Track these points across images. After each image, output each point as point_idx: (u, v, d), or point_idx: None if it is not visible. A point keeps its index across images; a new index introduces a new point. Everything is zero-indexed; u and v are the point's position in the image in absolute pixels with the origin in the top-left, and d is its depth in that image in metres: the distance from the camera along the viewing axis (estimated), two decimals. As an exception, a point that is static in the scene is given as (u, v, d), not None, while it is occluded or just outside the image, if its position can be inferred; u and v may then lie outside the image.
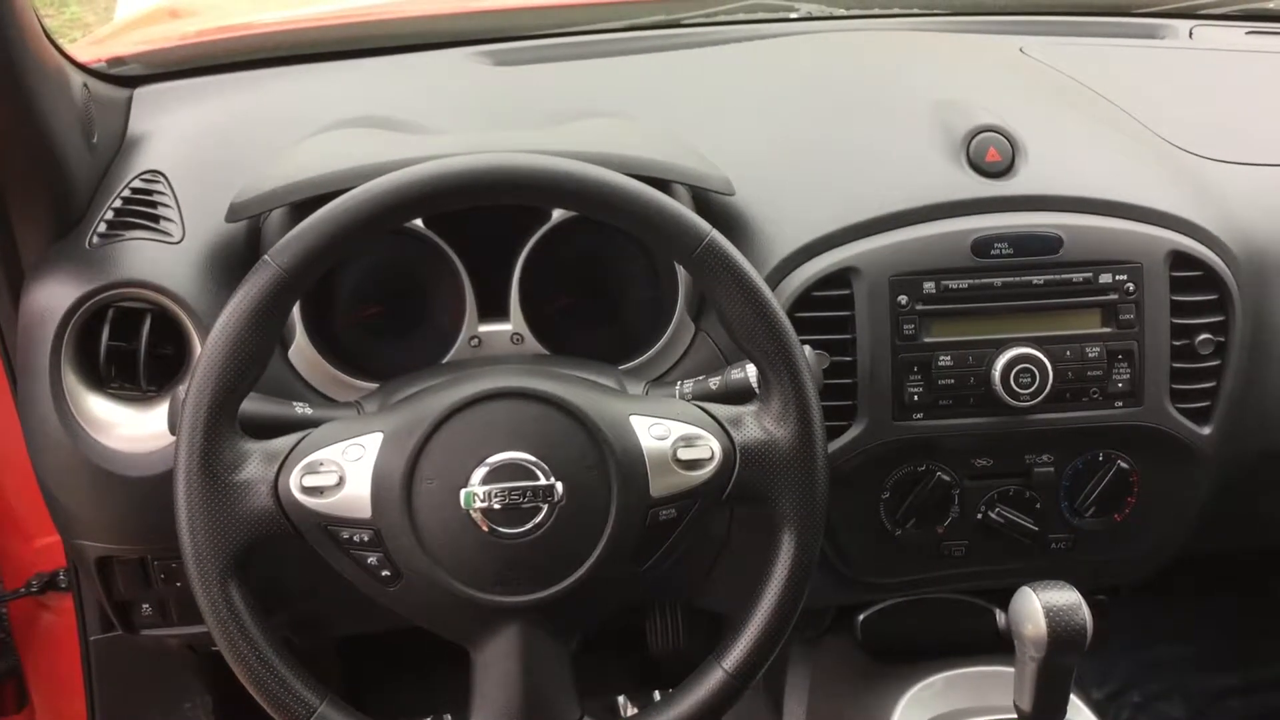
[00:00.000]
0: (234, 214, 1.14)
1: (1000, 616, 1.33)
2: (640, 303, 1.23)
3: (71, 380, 1.14)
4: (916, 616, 1.38)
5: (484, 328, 1.19)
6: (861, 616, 1.40)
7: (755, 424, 1.01)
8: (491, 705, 0.99)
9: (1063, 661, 1.06)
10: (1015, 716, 1.12)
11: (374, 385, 1.15)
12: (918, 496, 1.23)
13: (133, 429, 1.14)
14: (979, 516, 1.24)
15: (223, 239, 1.18)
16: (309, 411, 1.08)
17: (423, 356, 1.19)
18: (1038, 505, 1.25)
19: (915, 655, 1.36)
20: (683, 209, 0.99)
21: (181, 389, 0.99)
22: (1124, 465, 1.24)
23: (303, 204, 1.10)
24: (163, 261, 1.15)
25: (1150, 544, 1.30)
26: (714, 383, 1.10)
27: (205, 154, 1.24)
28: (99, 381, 1.15)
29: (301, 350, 1.17)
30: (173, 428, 0.99)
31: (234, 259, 1.17)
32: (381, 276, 1.22)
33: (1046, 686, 1.07)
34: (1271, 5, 1.59)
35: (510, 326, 1.20)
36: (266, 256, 0.96)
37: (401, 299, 1.22)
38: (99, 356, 1.14)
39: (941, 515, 1.24)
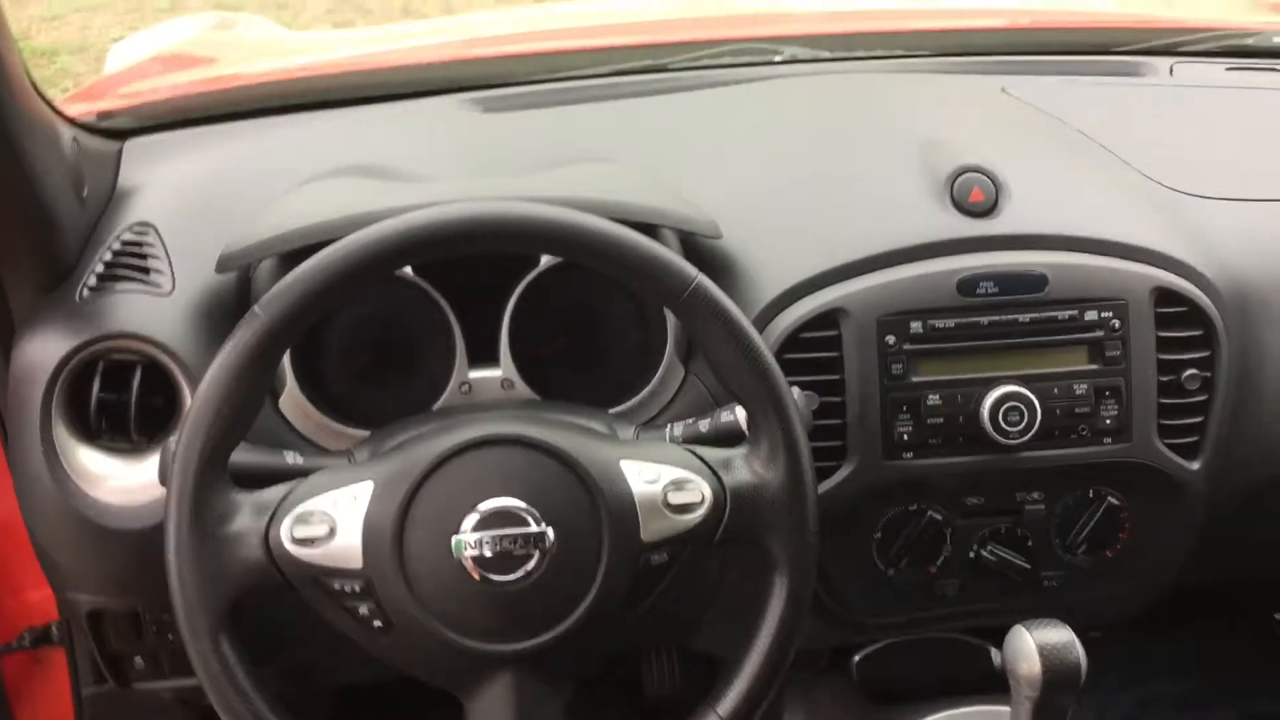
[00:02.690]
0: (224, 265, 1.14)
1: (996, 655, 1.33)
2: (629, 346, 1.24)
3: (62, 433, 1.14)
4: (912, 656, 1.38)
5: (474, 374, 1.20)
6: (857, 657, 1.39)
7: (745, 467, 1.01)
8: None
9: (1059, 700, 1.05)
10: None
11: (365, 433, 1.15)
12: (909, 536, 1.23)
13: (123, 481, 1.14)
14: (971, 555, 1.25)
15: (213, 290, 1.18)
16: (300, 461, 1.08)
17: (413, 403, 1.19)
18: (1029, 543, 1.25)
19: (912, 695, 1.35)
20: (669, 254, 1.00)
21: (172, 440, 0.99)
22: (1114, 501, 1.24)
23: (293, 254, 1.11)
24: (153, 313, 1.16)
25: (1142, 579, 1.30)
26: (704, 425, 1.10)
27: (195, 205, 1.25)
28: (89, 434, 1.15)
29: (292, 399, 1.17)
30: (163, 479, 0.99)
31: (225, 310, 1.18)
32: (371, 324, 1.22)
33: None
34: (1250, 42, 1.60)
35: (500, 372, 1.20)
36: (255, 308, 0.96)
37: (391, 346, 1.22)
38: (89, 409, 1.14)
39: (934, 554, 1.24)
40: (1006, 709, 1.10)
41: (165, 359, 1.15)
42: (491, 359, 1.20)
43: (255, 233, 1.14)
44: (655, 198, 1.20)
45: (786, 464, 1.00)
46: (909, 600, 1.27)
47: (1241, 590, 1.72)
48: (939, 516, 1.23)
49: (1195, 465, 1.24)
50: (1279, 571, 1.57)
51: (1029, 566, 1.24)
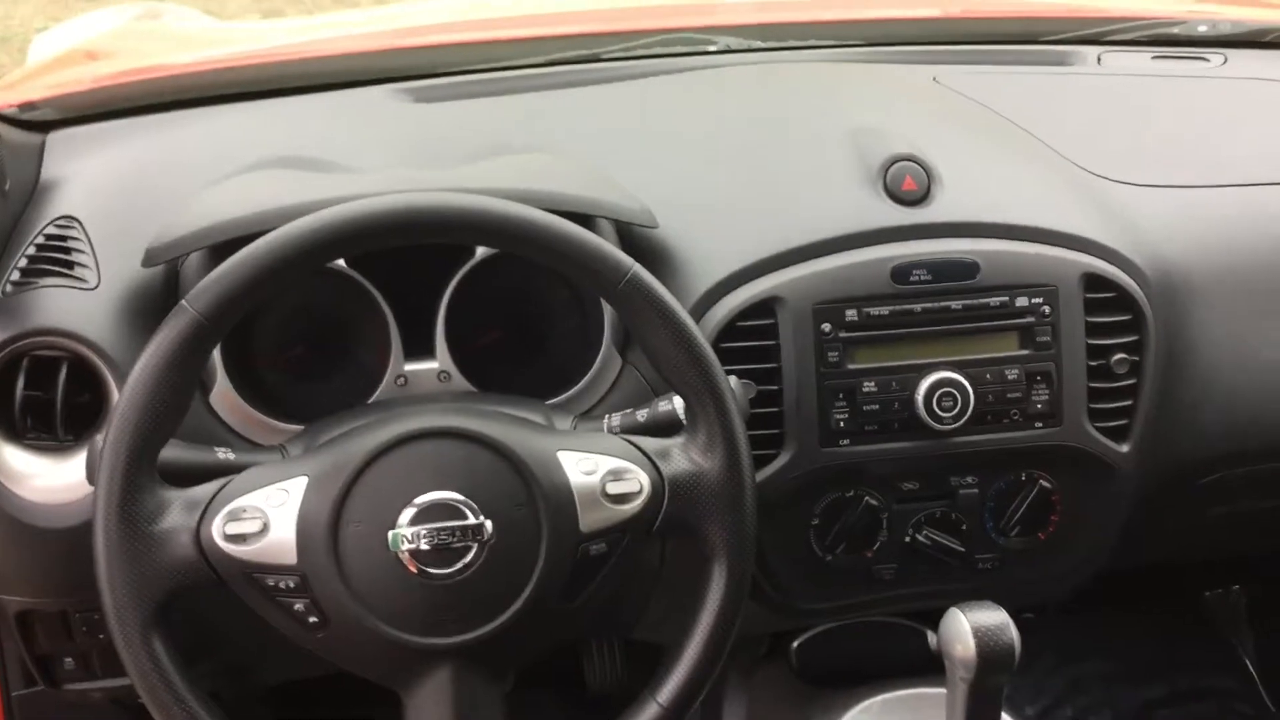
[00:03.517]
0: (150, 259, 1.12)
1: (932, 638, 1.35)
2: (566, 337, 1.23)
3: None
4: (850, 641, 1.39)
5: (410, 366, 1.19)
6: (796, 643, 1.40)
7: (683, 456, 1.02)
8: None
9: (993, 681, 1.07)
10: None
11: (299, 428, 1.14)
12: (846, 521, 1.24)
13: (50, 480, 1.12)
14: (907, 539, 1.26)
15: (140, 285, 1.16)
16: (231, 456, 1.06)
17: (348, 397, 1.18)
18: (964, 527, 1.26)
19: (851, 679, 1.37)
20: (605, 244, 1.00)
21: (99, 438, 0.97)
22: (1046, 484, 1.26)
23: (221, 247, 1.09)
24: (79, 309, 1.13)
25: (1074, 561, 1.32)
26: (641, 415, 1.10)
27: (120, 199, 1.23)
28: (14, 432, 1.13)
29: (223, 394, 1.16)
30: (91, 478, 0.97)
31: (152, 305, 1.16)
32: (304, 317, 1.20)
33: (978, 706, 1.08)
34: (1176, 31, 1.63)
35: (437, 364, 1.19)
36: (183, 302, 0.95)
37: (325, 339, 1.21)
38: (14, 407, 1.12)
39: (870, 539, 1.25)
40: (942, 691, 1.12)
41: (91, 355, 1.12)
42: (427, 351, 1.19)
43: (182, 226, 1.12)
44: (590, 187, 1.20)
45: (724, 453, 1.00)
46: (847, 585, 1.28)
47: (1171, 571, 1.76)
48: (875, 502, 1.24)
49: (1125, 448, 1.26)
50: (1206, 552, 1.61)
51: (963, 550, 1.26)
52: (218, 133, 1.35)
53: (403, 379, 1.18)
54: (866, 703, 1.34)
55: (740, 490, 1.01)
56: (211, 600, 0.97)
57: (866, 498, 1.24)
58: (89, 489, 1.02)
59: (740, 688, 1.46)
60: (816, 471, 1.21)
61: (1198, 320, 1.29)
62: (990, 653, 1.05)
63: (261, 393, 1.18)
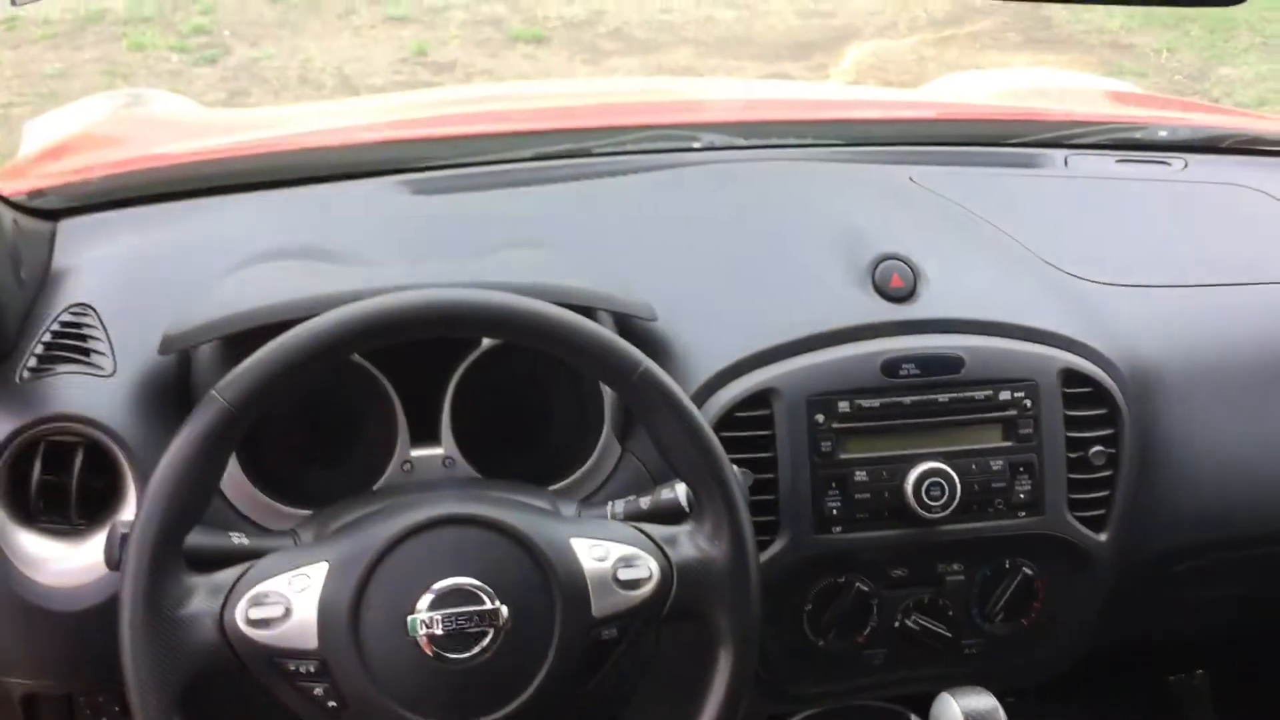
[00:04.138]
0: (168, 346, 1.15)
1: None
2: (567, 424, 1.27)
3: (1, 517, 1.13)
4: None
5: (416, 452, 1.22)
6: None
7: (690, 543, 1.05)
8: None
9: None
10: None
11: (305, 512, 1.16)
12: (838, 607, 1.27)
13: (64, 564, 1.13)
14: (896, 625, 1.29)
15: (154, 371, 1.19)
16: (245, 542, 1.08)
17: (354, 482, 1.20)
18: (950, 613, 1.30)
19: None
20: (617, 339, 1.04)
21: (119, 523, 0.99)
22: (1029, 571, 1.31)
23: (236, 336, 1.13)
24: (94, 395, 1.16)
25: (1057, 645, 1.36)
26: (645, 502, 1.13)
27: (133, 286, 1.26)
28: (29, 517, 1.14)
29: (232, 478, 1.18)
30: (110, 562, 0.99)
31: (166, 391, 1.18)
32: (313, 403, 1.23)
33: None
34: (1138, 135, 1.71)
35: (442, 450, 1.22)
36: (213, 392, 0.98)
37: (333, 425, 1.23)
38: (29, 492, 1.13)
39: (861, 625, 1.29)
40: None
41: (107, 441, 1.14)
42: (433, 437, 1.22)
43: (198, 315, 1.16)
44: (591, 282, 1.24)
45: (730, 541, 1.04)
46: (838, 669, 1.31)
47: (1138, 655, 1.80)
48: (865, 588, 1.28)
49: (1103, 537, 1.31)
50: (1179, 637, 1.66)
51: (950, 635, 1.30)
52: (225, 222, 1.38)
53: (408, 465, 1.21)
54: None
55: (746, 578, 1.04)
56: (232, 685, 0.98)
57: (857, 584, 1.27)
58: (101, 573, 1.04)
59: None
60: (810, 558, 1.25)
61: (1170, 414, 1.35)
62: None
63: (269, 477, 1.20)
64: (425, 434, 1.22)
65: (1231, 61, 5.71)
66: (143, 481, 1.10)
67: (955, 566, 1.29)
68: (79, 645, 1.10)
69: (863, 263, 1.32)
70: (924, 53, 5.58)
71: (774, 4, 6.17)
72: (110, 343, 1.19)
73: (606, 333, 1.04)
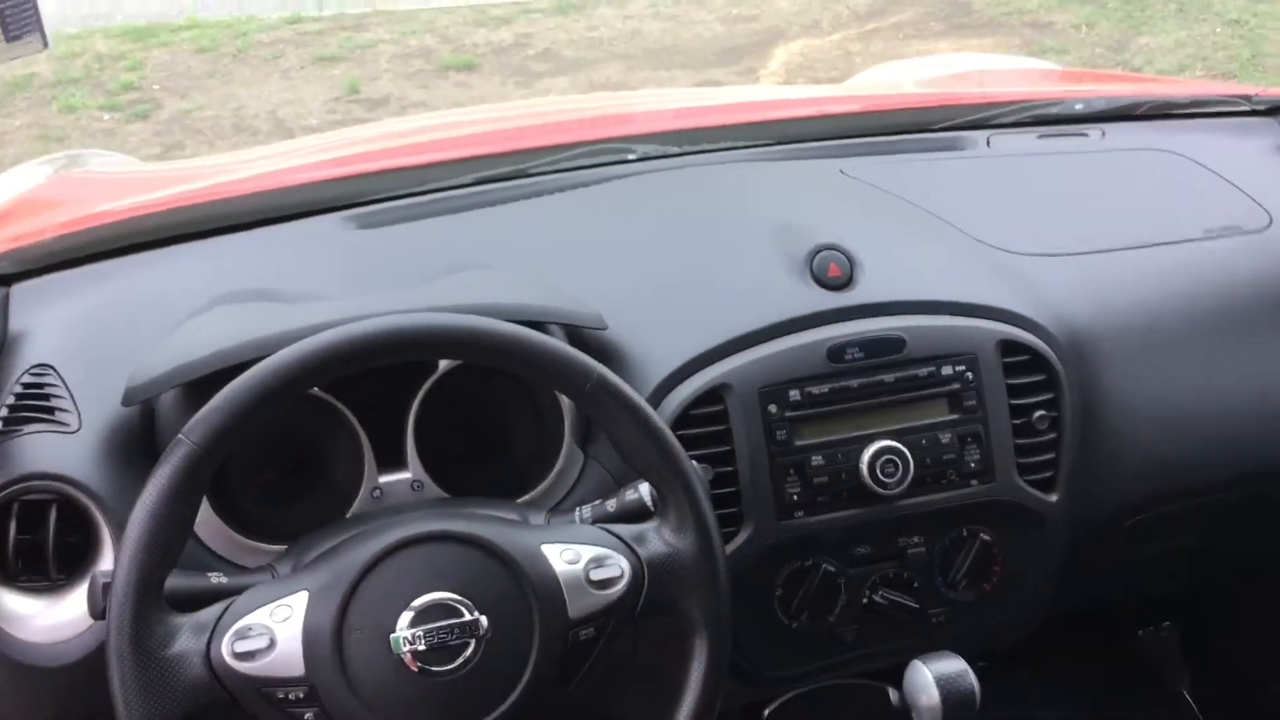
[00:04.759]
0: (130, 398, 1.18)
1: (894, 694, 1.42)
2: (529, 437, 1.30)
3: None
4: (818, 705, 1.46)
5: (384, 478, 1.25)
6: (767, 712, 1.46)
7: (657, 539, 1.09)
8: None
9: None
10: None
11: (279, 548, 1.19)
12: (807, 589, 1.31)
13: (47, 620, 1.15)
14: (864, 601, 1.34)
15: (120, 423, 1.21)
16: (224, 580, 1.11)
17: (326, 513, 1.23)
18: (915, 584, 1.34)
19: None
20: (571, 350, 1.08)
21: (100, 572, 1.01)
22: (986, 538, 1.35)
23: (196, 382, 1.15)
24: (62, 452, 1.18)
25: (1019, 607, 1.41)
26: (611, 505, 1.17)
27: (91, 342, 1.28)
28: (7, 576, 1.16)
29: (206, 521, 1.20)
30: (94, 611, 1.01)
31: (133, 441, 1.20)
32: (278, 440, 1.25)
33: None
34: (1055, 110, 1.76)
35: (409, 474, 1.25)
36: (181, 435, 1.00)
37: (299, 460, 1.26)
38: (6, 552, 1.15)
39: (831, 604, 1.33)
40: None
41: (80, 495, 1.16)
42: (399, 463, 1.25)
43: (158, 364, 1.18)
44: (540, 297, 1.28)
45: (695, 532, 1.08)
46: (812, 650, 1.35)
47: (1105, 613, 1.86)
48: (832, 568, 1.32)
49: (1053, 498, 1.36)
50: (1138, 591, 1.71)
51: (917, 606, 1.34)
52: (177, 272, 1.40)
53: (378, 491, 1.24)
54: None
55: (714, 567, 1.08)
56: (223, 719, 1.01)
57: (824, 565, 1.31)
58: (85, 625, 1.06)
59: None
60: (776, 544, 1.29)
61: (1106, 375, 1.41)
62: (953, 698, 1.13)
63: (242, 516, 1.23)
64: (392, 460, 1.25)
65: (1149, 30, 5.83)
66: (118, 531, 1.13)
67: (916, 539, 1.34)
68: (70, 699, 1.12)
69: (800, 255, 1.37)
70: (849, 48, 5.67)
71: (699, 14, 6.24)
72: (73, 399, 1.21)
73: (559, 344, 1.08)
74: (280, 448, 1.26)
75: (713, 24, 6.13)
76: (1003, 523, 1.35)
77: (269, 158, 2.03)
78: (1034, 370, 1.35)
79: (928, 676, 1.15)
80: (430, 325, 1.04)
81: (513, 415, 1.31)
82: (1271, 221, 1.55)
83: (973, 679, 1.14)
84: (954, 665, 1.15)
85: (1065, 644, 1.80)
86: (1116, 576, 1.56)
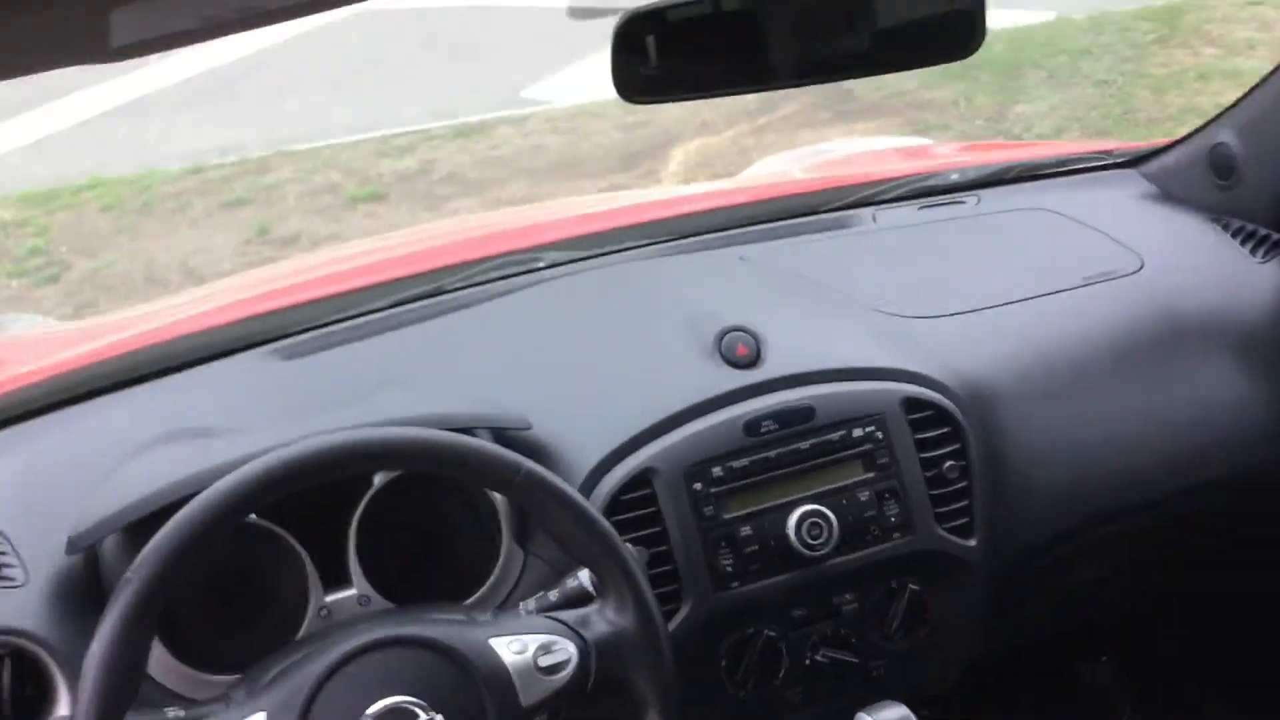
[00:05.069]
0: (73, 546, 1.21)
1: None
2: (469, 541, 1.34)
3: None
4: None
5: (330, 597, 1.28)
6: None
7: (600, 620, 1.14)
8: None
9: None
10: None
11: (233, 678, 1.21)
12: (751, 657, 1.36)
13: (8, 773, 1.16)
14: (807, 662, 1.39)
15: (65, 573, 1.23)
16: (182, 714, 1.13)
17: (276, 638, 1.25)
18: (853, 640, 1.40)
19: None
20: (497, 448, 1.14)
21: (57, 718, 1.04)
22: (915, 587, 1.41)
23: (135, 525, 1.19)
24: (10, 606, 1.20)
25: (954, 651, 1.47)
26: (553, 595, 1.21)
27: (29, 499, 1.31)
28: None
29: (159, 660, 1.22)
30: None
31: (79, 588, 1.23)
32: (224, 573, 1.28)
33: None
34: (932, 182, 1.87)
35: (355, 590, 1.29)
36: (128, 574, 1.04)
37: (246, 590, 1.29)
38: None
39: (775, 669, 1.37)
40: None
41: (31, 646, 1.18)
42: (344, 580, 1.29)
43: (97, 511, 1.21)
44: (463, 405, 1.34)
45: (636, 609, 1.13)
46: (762, 714, 1.39)
47: (1042, 652, 1.92)
48: (773, 633, 1.37)
49: (972, 542, 1.43)
50: (1067, 627, 1.78)
51: (857, 660, 1.39)
52: (106, 421, 1.44)
53: (325, 610, 1.28)
54: None
55: (657, 639, 1.13)
56: None
57: (765, 631, 1.36)
58: None
59: None
60: (716, 615, 1.34)
61: (1007, 420, 1.49)
62: None
63: (194, 652, 1.25)
64: (337, 579, 1.29)
65: (1024, 98, 6.10)
66: (73, 677, 1.15)
67: (849, 596, 1.39)
68: None
69: (709, 339, 1.44)
70: (744, 143, 5.85)
71: (595, 124, 6.41)
72: (17, 554, 1.24)
73: (486, 444, 1.13)
74: (226, 580, 1.29)
75: (610, 132, 6.30)
76: (928, 571, 1.42)
77: (187, 304, 2.07)
78: (939, 424, 1.43)
79: None
80: (359, 440, 1.10)
81: (451, 522, 1.35)
82: (1143, 264, 1.66)
83: None
84: (897, 711, 1.20)
85: (1007, 685, 1.86)
86: (1045, 611, 1.63)
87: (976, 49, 1.14)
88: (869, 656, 1.41)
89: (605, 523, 1.14)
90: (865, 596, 1.40)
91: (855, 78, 1.29)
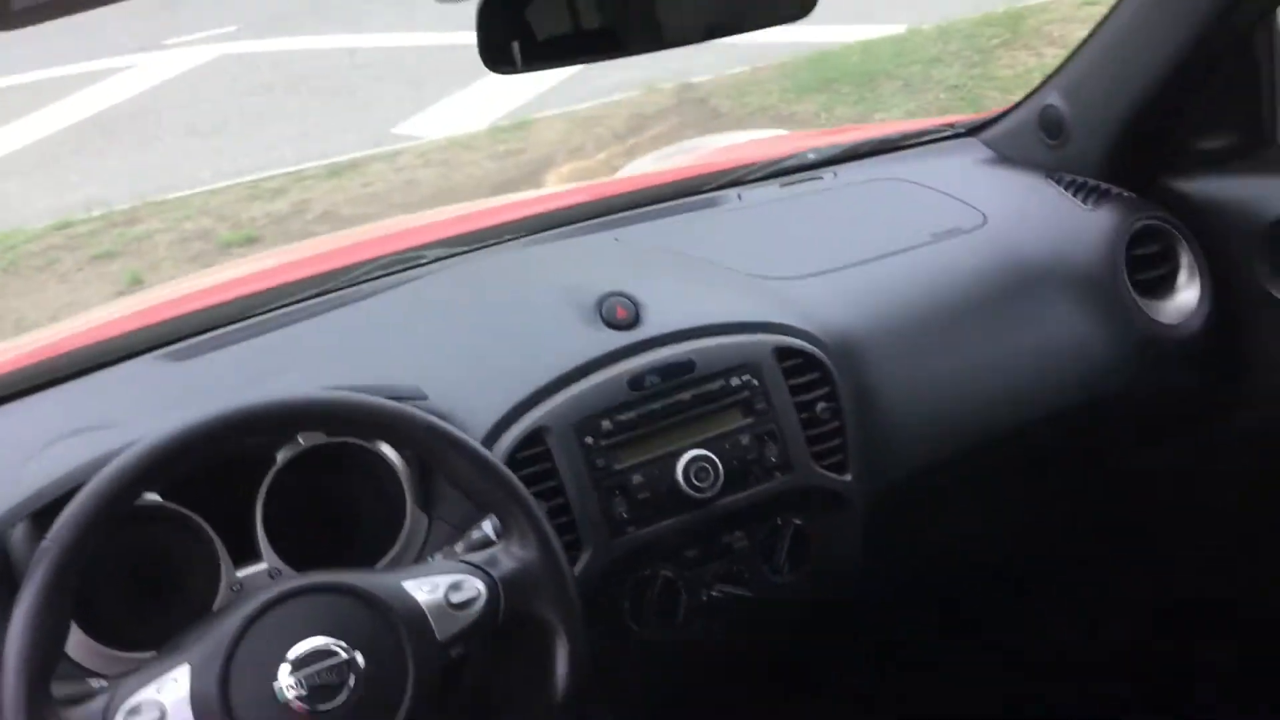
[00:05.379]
0: None
1: None
2: (373, 510, 1.40)
3: None
4: None
5: (241, 573, 1.32)
6: None
7: (506, 557, 1.21)
8: None
9: None
10: None
11: (150, 654, 1.25)
12: (650, 596, 1.44)
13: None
14: (705, 599, 1.47)
15: None
16: (104, 682, 1.17)
17: (190, 615, 1.29)
18: (745, 575, 1.49)
19: None
20: (398, 405, 1.20)
21: None
22: (799, 523, 1.51)
23: (40, 513, 1.23)
24: None
25: (842, 579, 1.56)
26: (459, 547, 1.27)
27: None
28: None
29: (78, 641, 1.26)
30: None
31: None
32: (135, 557, 1.32)
33: None
34: (790, 163, 1.98)
35: (265, 565, 1.33)
36: (45, 542, 1.08)
37: (157, 571, 1.33)
38: None
39: (675, 607, 1.45)
40: None
41: None
42: (254, 555, 1.34)
43: (0, 504, 1.25)
44: (357, 381, 1.39)
45: (538, 544, 1.21)
46: (668, 653, 1.47)
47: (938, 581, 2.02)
48: (670, 574, 1.45)
49: (847, 477, 1.53)
50: (950, 562, 1.89)
51: (752, 595, 1.48)
52: (6, 430, 1.47)
53: (238, 585, 1.32)
54: None
55: (560, 570, 1.21)
56: None
57: (662, 571, 1.44)
58: None
59: None
60: (615, 560, 1.42)
61: (873, 363, 1.60)
62: None
63: (111, 632, 1.29)
64: (247, 555, 1.33)
65: (882, 107, 6.35)
66: None
67: (738, 534, 1.48)
68: None
69: (589, 304, 1.53)
70: (615, 164, 5.98)
71: (467, 155, 6.48)
72: None
73: (387, 402, 1.20)
74: (138, 562, 1.33)
75: (482, 162, 6.37)
76: (810, 507, 1.51)
77: (86, 321, 2.08)
78: (809, 370, 1.53)
79: None
80: (260, 404, 1.16)
81: (354, 492, 1.41)
82: (986, 220, 1.79)
83: None
84: None
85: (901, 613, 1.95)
86: (922, 546, 1.74)
87: (812, 8, 1.25)
88: (761, 591, 1.50)
89: (503, 466, 1.22)
90: (753, 534, 1.49)
91: (705, 40, 1.39)
